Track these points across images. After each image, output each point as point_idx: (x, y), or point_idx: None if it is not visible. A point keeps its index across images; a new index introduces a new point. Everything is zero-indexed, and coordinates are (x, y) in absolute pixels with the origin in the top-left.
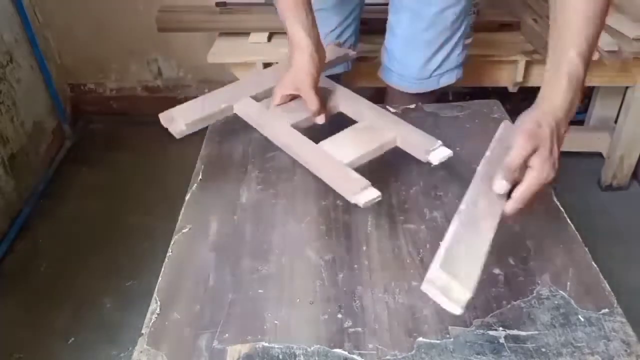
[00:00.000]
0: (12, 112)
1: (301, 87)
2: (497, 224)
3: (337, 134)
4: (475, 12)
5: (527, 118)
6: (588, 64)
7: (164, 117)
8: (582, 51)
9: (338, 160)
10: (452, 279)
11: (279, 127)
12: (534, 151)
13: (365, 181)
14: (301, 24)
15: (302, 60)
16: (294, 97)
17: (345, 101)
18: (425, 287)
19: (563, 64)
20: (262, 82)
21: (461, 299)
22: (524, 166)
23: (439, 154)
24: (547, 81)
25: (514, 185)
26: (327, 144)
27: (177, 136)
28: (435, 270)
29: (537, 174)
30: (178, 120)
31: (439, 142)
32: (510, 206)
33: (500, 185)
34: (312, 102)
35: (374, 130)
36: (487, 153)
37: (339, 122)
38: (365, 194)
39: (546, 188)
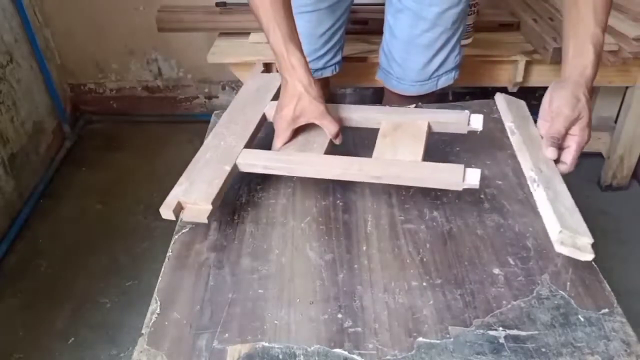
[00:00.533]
0: (12, 112)
1: (315, 114)
2: (563, 180)
3: (377, 143)
4: (475, 12)
5: (564, 92)
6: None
7: (168, 209)
8: (603, 26)
9: (416, 161)
10: (573, 234)
11: (319, 163)
12: (575, 120)
13: (459, 165)
14: (297, 46)
15: (303, 87)
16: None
17: (344, 114)
18: (559, 249)
19: (588, 39)
20: (245, 127)
21: (588, 247)
22: (565, 133)
23: (476, 120)
24: (575, 55)
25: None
26: (381, 153)
27: (206, 220)
28: (558, 232)
29: (580, 139)
30: (196, 204)
31: (467, 111)
32: (564, 169)
33: (553, 152)
34: (333, 126)
35: (406, 125)
36: (510, 124)
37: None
38: (472, 175)
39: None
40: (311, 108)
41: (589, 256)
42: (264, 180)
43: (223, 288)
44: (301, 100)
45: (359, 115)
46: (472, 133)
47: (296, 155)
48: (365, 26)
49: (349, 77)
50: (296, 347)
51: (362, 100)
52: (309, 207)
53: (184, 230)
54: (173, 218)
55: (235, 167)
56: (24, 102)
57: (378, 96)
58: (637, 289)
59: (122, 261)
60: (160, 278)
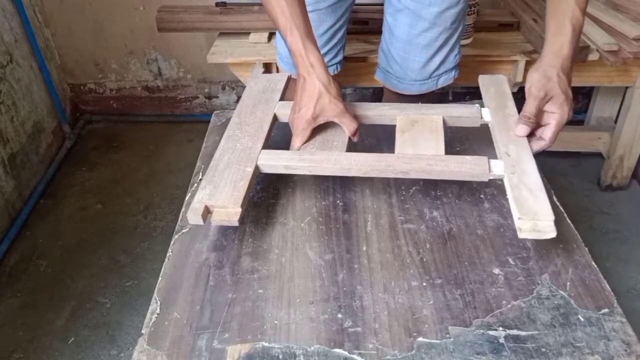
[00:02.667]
0: (12, 112)
1: (335, 113)
2: (532, 157)
3: (397, 139)
4: (475, 12)
5: (535, 74)
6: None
7: (196, 214)
8: (583, 7)
9: (439, 154)
10: (531, 219)
11: (343, 161)
12: (546, 99)
13: (482, 157)
14: (315, 45)
15: (322, 85)
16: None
17: (359, 112)
18: (523, 236)
19: (567, 18)
20: (259, 128)
21: (548, 227)
22: (540, 112)
23: (487, 113)
24: (553, 33)
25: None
26: (402, 149)
27: (237, 223)
28: (517, 221)
29: (560, 116)
30: (225, 207)
31: (477, 105)
32: (541, 145)
33: (522, 129)
34: (353, 124)
35: (422, 121)
36: (486, 108)
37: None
38: (496, 166)
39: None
40: (331, 106)
41: (551, 234)
42: (264, 180)
43: (223, 288)
44: (321, 99)
45: (374, 112)
46: (471, 132)
47: (319, 154)
48: (365, 26)
49: (349, 77)
50: (296, 347)
51: (362, 100)
52: (309, 207)
53: (184, 230)
54: (201, 223)
55: (256, 168)
56: (24, 102)
57: (378, 96)
58: (637, 289)
59: (122, 261)
60: (160, 278)
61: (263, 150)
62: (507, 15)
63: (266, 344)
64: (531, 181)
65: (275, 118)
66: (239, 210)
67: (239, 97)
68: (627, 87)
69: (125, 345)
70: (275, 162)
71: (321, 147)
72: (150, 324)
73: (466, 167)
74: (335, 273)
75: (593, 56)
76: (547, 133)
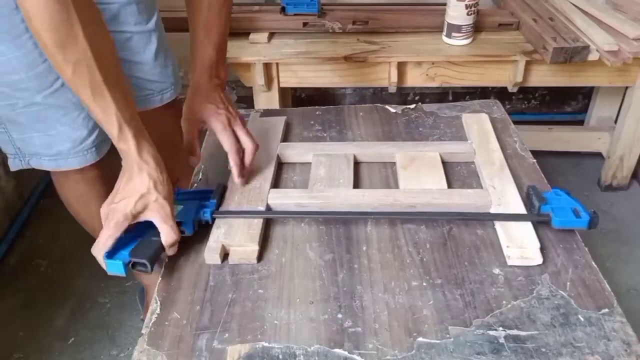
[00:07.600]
0: None
1: (159, 214)
2: (516, 189)
3: (399, 175)
4: (475, 12)
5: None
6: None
7: (214, 254)
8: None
9: (443, 188)
10: (519, 247)
11: (353, 197)
12: (224, 127)
13: (483, 190)
14: (147, 139)
15: (152, 182)
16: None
17: (359, 150)
18: (512, 263)
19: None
20: (266, 168)
21: (534, 255)
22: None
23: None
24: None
25: None
26: (406, 184)
27: (256, 261)
28: (506, 249)
29: (247, 144)
30: (242, 246)
31: (469, 142)
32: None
33: (241, 181)
34: (172, 234)
35: (420, 157)
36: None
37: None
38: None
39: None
40: (155, 206)
41: (538, 260)
42: None
43: (223, 288)
44: (147, 195)
45: (373, 150)
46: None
47: (328, 191)
48: (365, 26)
49: (349, 77)
50: (296, 347)
51: (361, 101)
52: None
53: None
54: (218, 262)
55: (268, 207)
56: None
57: (378, 96)
58: (637, 289)
59: None
60: (160, 278)
61: (272, 189)
62: (507, 15)
63: (266, 344)
64: (516, 212)
65: (279, 159)
66: (257, 248)
67: (239, 97)
68: (627, 87)
69: (125, 345)
70: (286, 200)
71: (329, 184)
72: (150, 324)
73: (470, 200)
74: (335, 273)
75: (593, 56)
76: (247, 159)
